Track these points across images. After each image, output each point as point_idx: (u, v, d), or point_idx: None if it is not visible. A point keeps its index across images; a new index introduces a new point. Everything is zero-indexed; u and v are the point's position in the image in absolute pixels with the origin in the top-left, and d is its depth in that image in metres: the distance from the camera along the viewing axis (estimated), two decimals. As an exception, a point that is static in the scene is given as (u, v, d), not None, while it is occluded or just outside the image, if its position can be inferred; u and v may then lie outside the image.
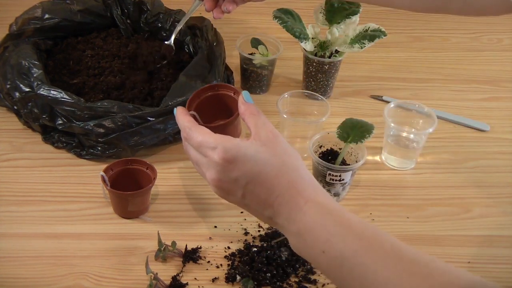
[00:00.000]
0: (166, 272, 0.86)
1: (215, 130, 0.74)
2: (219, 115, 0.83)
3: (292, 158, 0.72)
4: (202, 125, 0.76)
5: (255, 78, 1.20)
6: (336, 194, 0.99)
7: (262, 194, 0.70)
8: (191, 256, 0.88)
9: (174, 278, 0.85)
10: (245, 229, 0.93)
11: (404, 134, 1.07)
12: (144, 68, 1.13)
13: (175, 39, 1.15)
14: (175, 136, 1.05)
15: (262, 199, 0.70)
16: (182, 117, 0.76)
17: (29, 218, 0.93)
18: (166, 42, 1.15)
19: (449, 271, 0.62)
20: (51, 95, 1.01)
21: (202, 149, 0.72)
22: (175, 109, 0.78)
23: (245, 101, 0.75)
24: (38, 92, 1.02)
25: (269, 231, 0.93)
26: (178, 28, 1.13)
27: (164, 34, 1.22)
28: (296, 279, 0.86)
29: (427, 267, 0.63)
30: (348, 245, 0.65)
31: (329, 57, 1.17)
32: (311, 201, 0.69)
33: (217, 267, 0.88)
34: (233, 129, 0.80)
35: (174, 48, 1.15)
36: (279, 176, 0.70)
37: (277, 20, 1.12)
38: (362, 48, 1.12)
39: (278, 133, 0.73)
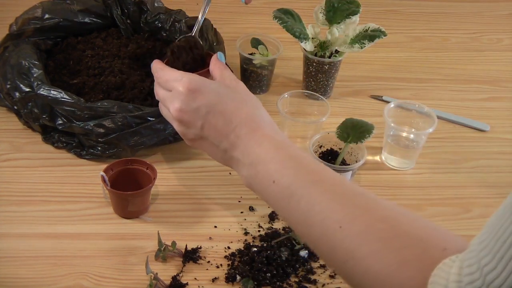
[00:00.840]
0: (166, 272, 0.86)
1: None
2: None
3: (253, 99, 0.76)
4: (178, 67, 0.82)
5: (255, 78, 1.20)
6: (336, 194, 0.99)
7: (219, 123, 0.73)
8: (191, 256, 0.88)
9: (174, 278, 0.85)
10: (245, 229, 0.93)
11: (404, 134, 1.07)
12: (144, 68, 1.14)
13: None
14: (175, 136, 1.05)
15: (219, 129, 0.73)
16: (156, 63, 0.82)
17: (29, 218, 0.93)
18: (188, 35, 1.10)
19: (392, 207, 0.64)
20: (51, 95, 1.01)
21: (169, 83, 0.77)
22: (152, 63, 0.83)
23: (217, 59, 0.82)
24: (38, 92, 1.02)
25: (269, 231, 0.93)
26: (201, 19, 1.07)
27: (164, 34, 1.22)
28: (296, 279, 0.86)
29: (374, 201, 0.64)
30: (299, 177, 0.67)
31: (329, 57, 1.17)
32: (267, 136, 0.71)
33: (217, 267, 0.88)
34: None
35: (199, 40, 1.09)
36: (238, 109, 0.73)
37: (277, 20, 1.12)
38: (362, 48, 1.12)
39: (241, 82, 0.78)
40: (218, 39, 1.17)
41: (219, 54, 0.83)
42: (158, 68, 0.81)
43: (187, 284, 0.85)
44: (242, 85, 0.78)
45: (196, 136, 0.76)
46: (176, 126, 0.78)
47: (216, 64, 0.81)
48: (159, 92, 0.80)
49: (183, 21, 1.21)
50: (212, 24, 1.20)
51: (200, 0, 1.49)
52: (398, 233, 0.60)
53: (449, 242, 0.59)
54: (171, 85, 0.76)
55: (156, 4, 1.24)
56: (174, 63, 0.86)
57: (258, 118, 0.73)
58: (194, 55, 0.89)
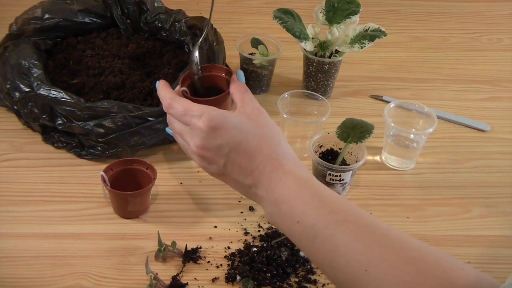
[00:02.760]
0: (166, 272, 0.86)
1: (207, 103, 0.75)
2: (210, 96, 0.81)
3: (275, 132, 0.74)
4: (191, 99, 0.76)
5: (255, 78, 1.20)
6: (336, 194, 0.99)
7: (243, 162, 0.71)
8: (191, 256, 0.88)
9: (174, 278, 0.85)
10: (245, 229, 0.93)
11: (404, 134, 1.07)
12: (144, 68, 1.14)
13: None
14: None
15: (243, 167, 0.71)
16: (164, 89, 0.77)
17: (29, 218, 0.93)
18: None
19: (420, 247, 0.63)
20: (51, 95, 1.01)
21: (187, 118, 0.73)
22: (157, 82, 0.78)
23: (237, 79, 0.78)
24: (38, 92, 1.02)
25: (269, 231, 0.93)
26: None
27: (164, 34, 1.22)
28: (296, 279, 0.86)
29: (399, 241, 0.63)
30: (323, 216, 0.66)
31: (329, 57, 1.17)
32: (290, 173, 0.70)
33: (217, 267, 0.88)
34: (223, 107, 0.79)
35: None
36: (261, 146, 0.71)
37: (277, 20, 1.12)
38: (362, 48, 1.12)
39: (263, 110, 0.75)
40: (218, 39, 1.17)
41: (239, 73, 0.79)
42: (169, 97, 0.75)
43: (187, 284, 0.85)
44: (263, 114, 0.74)
45: (218, 172, 0.74)
46: (197, 161, 0.75)
47: (236, 87, 0.77)
48: (175, 125, 0.76)
49: (183, 21, 1.21)
50: (212, 24, 1.20)
51: (200, 0, 1.49)
52: (426, 276, 0.59)
53: (478, 284, 0.58)
54: (188, 120, 0.73)
55: (156, 4, 1.24)
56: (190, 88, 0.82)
57: (281, 154, 0.72)
58: (211, 79, 0.83)
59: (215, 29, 1.20)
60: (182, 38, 1.21)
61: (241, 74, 0.79)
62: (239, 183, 0.73)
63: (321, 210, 0.66)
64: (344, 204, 0.68)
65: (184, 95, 0.78)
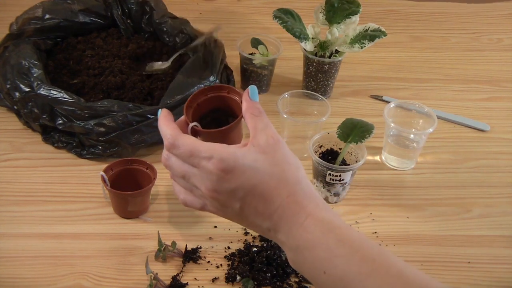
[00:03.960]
0: (166, 272, 0.86)
1: (216, 136, 0.69)
2: (220, 119, 0.74)
3: (293, 168, 0.66)
4: (202, 132, 0.69)
5: (255, 78, 1.20)
6: (336, 194, 0.99)
7: (260, 206, 0.64)
8: (191, 256, 0.88)
9: (174, 278, 0.85)
10: (245, 229, 0.93)
11: (404, 134, 1.07)
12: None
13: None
14: (175, 136, 1.06)
15: (260, 211, 0.65)
16: (166, 123, 0.68)
17: (29, 218, 0.93)
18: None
19: None
20: (51, 95, 1.01)
21: (194, 160, 0.64)
22: (159, 111, 0.70)
23: (249, 97, 0.68)
24: (38, 92, 1.02)
25: (269, 231, 0.93)
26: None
27: (167, 39, 1.22)
28: (296, 279, 0.86)
29: None
30: (352, 267, 0.61)
31: (329, 57, 1.17)
32: (312, 216, 0.64)
33: (217, 267, 0.88)
34: (236, 134, 0.72)
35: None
36: (279, 187, 0.64)
37: (277, 20, 1.12)
38: (362, 48, 1.12)
39: (279, 138, 0.66)
40: (217, 43, 1.18)
41: (252, 89, 0.69)
42: (171, 135, 0.67)
43: (187, 284, 0.85)
44: (280, 144, 0.65)
45: (234, 216, 0.67)
46: (209, 205, 0.67)
47: (248, 108, 0.67)
48: (176, 165, 0.67)
49: (188, 30, 1.21)
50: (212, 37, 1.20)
51: (200, 0, 1.49)
52: None
53: None
54: (196, 162, 0.64)
55: (159, 6, 1.24)
56: (195, 114, 0.73)
57: (301, 194, 0.65)
58: (221, 100, 0.74)
59: (216, 40, 1.20)
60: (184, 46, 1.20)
61: (254, 90, 0.68)
62: (257, 226, 0.67)
63: (349, 260, 0.62)
64: (373, 250, 0.63)
65: (194, 129, 0.70)
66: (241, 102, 0.68)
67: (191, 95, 0.73)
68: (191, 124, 0.70)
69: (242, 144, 0.66)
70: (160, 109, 0.70)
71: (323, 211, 0.65)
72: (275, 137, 0.65)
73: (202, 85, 1.07)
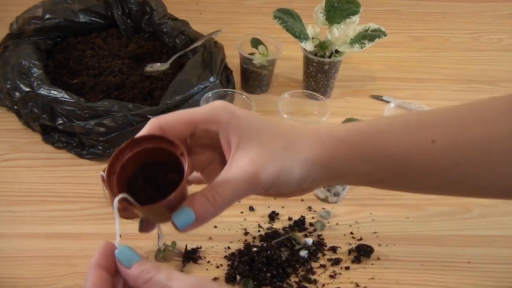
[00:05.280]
0: (166, 272, 0.86)
1: (160, 210, 0.54)
2: (155, 178, 0.57)
3: None
4: (138, 207, 0.54)
5: (255, 78, 1.20)
6: (336, 194, 0.99)
7: None
8: (191, 256, 0.88)
9: (174, 278, 0.85)
10: (245, 229, 0.93)
11: (404, 134, 1.07)
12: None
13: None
14: (175, 136, 1.06)
15: None
16: (95, 267, 0.54)
17: (29, 218, 0.93)
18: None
19: None
20: (51, 95, 1.01)
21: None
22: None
23: (124, 265, 0.53)
24: (38, 92, 1.02)
25: (269, 231, 0.93)
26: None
27: (167, 40, 1.22)
28: (296, 279, 0.86)
29: None
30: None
31: (329, 57, 1.17)
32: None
33: (217, 267, 0.88)
34: (183, 195, 0.54)
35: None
36: None
37: (277, 20, 1.12)
38: (362, 48, 1.12)
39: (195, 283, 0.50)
40: (217, 45, 1.18)
41: (121, 253, 0.54)
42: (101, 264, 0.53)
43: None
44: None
45: None
46: None
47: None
48: None
49: (188, 31, 1.21)
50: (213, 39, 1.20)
51: (200, 0, 1.49)
52: None
53: None
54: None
55: (159, 6, 1.24)
56: (121, 179, 0.56)
57: None
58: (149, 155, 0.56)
59: (216, 42, 1.20)
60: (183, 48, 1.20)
61: (123, 253, 0.53)
62: None
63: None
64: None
65: (123, 206, 0.55)
66: (179, 148, 0.53)
67: (111, 156, 0.57)
68: (118, 197, 0.54)
69: None
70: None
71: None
72: (192, 283, 0.50)
73: (202, 85, 1.07)
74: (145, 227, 0.59)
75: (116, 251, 0.53)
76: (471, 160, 0.55)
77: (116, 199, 0.53)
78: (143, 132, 0.56)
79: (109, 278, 0.53)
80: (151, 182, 0.57)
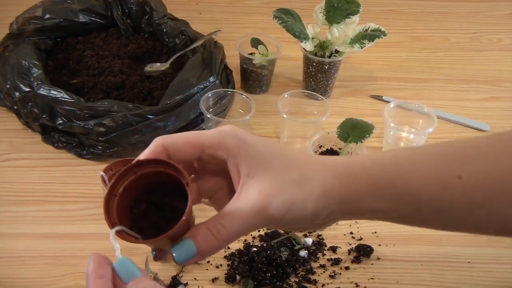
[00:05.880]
0: (166, 272, 0.86)
1: (164, 241, 0.51)
2: (161, 204, 0.55)
3: None
4: (137, 240, 0.52)
5: (255, 78, 1.20)
6: (336, 194, 0.99)
7: None
8: (191, 256, 0.88)
9: (174, 278, 0.85)
10: (245, 229, 0.93)
11: (404, 134, 1.07)
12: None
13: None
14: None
15: None
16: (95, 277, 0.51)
17: (29, 218, 0.93)
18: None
19: None
20: (51, 95, 1.01)
21: None
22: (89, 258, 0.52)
23: (123, 280, 0.50)
24: (38, 92, 1.02)
25: (269, 231, 0.93)
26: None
27: (167, 40, 1.22)
28: (296, 279, 0.86)
29: None
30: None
31: (329, 57, 1.17)
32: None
33: (217, 267, 0.88)
34: (188, 224, 0.52)
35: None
36: None
37: (277, 20, 1.12)
38: (362, 48, 1.12)
39: None
40: (217, 45, 1.18)
41: (119, 265, 0.50)
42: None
43: (187, 284, 0.85)
44: None
45: None
46: None
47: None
48: None
49: (188, 31, 1.21)
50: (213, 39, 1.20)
51: (200, 0, 1.49)
52: None
53: None
54: None
55: (159, 6, 1.24)
56: (122, 204, 0.53)
57: None
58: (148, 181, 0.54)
59: (216, 42, 1.20)
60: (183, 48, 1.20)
61: (123, 264, 0.50)
62: None
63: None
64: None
65: (124, 237, 0.51)
66: (185, 178, 0.50)
67: (113, 176, 0.53)
68: (116, 228, 0.51)
69: None
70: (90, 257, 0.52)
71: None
72: None
73: (202, 85, 1.07)
74: (159, 255, 0.55)
75: (115, 262, 0.50)
76: (502, 198, 0.52)
77: (113, 231, 0.50)
78: (147, 151, 0.54)
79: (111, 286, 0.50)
80: (154, 207, 0.55)
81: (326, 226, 0.57)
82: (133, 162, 0.52)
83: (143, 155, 0.53)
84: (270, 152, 0.53)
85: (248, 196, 0.51)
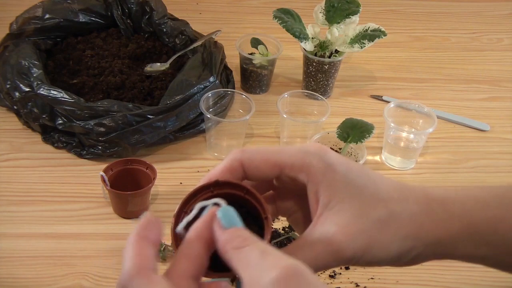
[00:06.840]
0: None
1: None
2: None
3: None
4: (218, 275, 0.47)
5: (255, 78, 1.20)
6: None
7: None
8: (191, 256, 0.88)
9: (174, 278, 0.85)
10: (245, 229, 0.93)
11: (404, 134, 1.07)
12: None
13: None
14: (176, 135, 1.06)
15: None
16: (135, 246, 0.48)
17: (29, 218, 0.93)
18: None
19: None
20: (51, 95, 1.01)
21: None
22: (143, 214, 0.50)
23: (222, 226, 0.45)
24: (38, 92, 1.02)
25: (269, 231, 0.93)
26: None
27: (167, 40, 1.22)
28: (296, 279, 0.86)
29: None
30: None
31: (329, 57, 1.17)
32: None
33: (217, 267, 0.87)
34: None
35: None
36: None
37: (277, 20, 1.12)
38: (362, 48, 1.12)
39: (294, 266, 0.41)
40: (217, 45, 1.18)
41: (223, 213, 0.46)
42: (128, 270, 0.45)
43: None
44: (301, 279, 0.40)
45: None
46: None
47: (228, 242, 0.44)
48: None
49: (187, 31, 1.21)
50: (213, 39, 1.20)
51: (200, 0, 1.49)
52: None
53: None
54: None
55: (159, 6, 1.24)
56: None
57: None
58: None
59: (216, 42, 1.20)
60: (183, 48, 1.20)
61: (227, 213, 0.45)
62: None
63: None
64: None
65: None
66: (264, 211, 0.47)
67: (188, 194, 0.50)
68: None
69: None
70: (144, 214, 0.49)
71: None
72: (289, 266, 0.40)
73: (202, 85, 1.06)
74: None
75: (219, 209, 0.46)
76: None
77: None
78: (223, 165, 0.49)
79: (155, 252, 0.47)
80: None
81: (414, 264, 0.51)
82: (211, 181, 0.49)
83: (218, 169, 0.49)
84: (357, 180, 0.48)
85: (324, 231, 0.47)
